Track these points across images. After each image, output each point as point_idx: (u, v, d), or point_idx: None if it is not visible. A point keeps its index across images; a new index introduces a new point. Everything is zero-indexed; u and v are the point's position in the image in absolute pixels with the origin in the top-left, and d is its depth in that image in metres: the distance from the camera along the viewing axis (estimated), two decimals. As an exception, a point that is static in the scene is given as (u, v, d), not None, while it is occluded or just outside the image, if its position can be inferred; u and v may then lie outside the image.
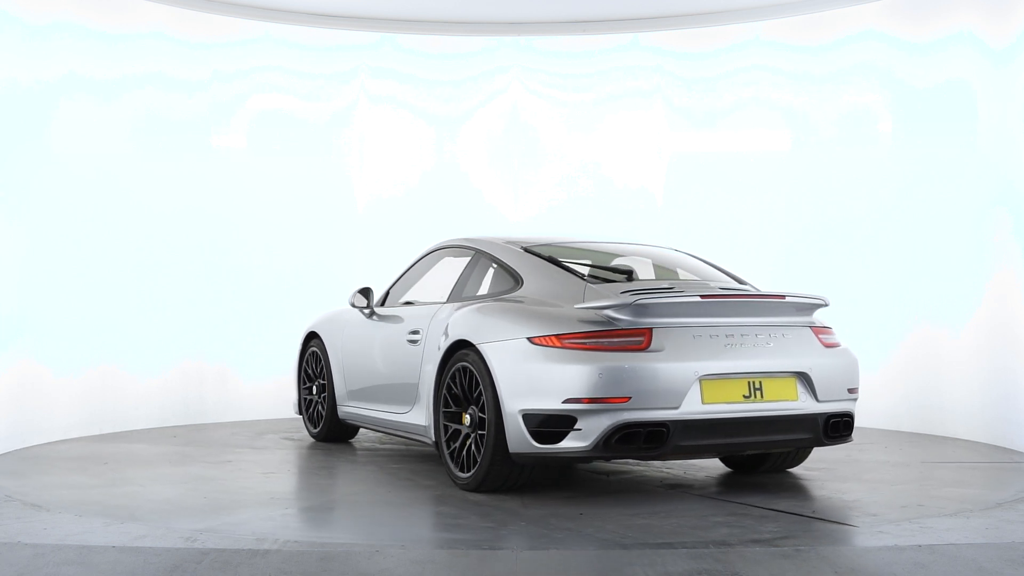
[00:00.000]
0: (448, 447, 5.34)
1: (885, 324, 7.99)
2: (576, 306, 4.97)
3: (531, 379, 4.81)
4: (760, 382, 4.93)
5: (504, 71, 9.38)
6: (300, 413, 7.50)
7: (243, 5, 8.58)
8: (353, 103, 9.19)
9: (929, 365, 7.66)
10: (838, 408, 5.15)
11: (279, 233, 8.87)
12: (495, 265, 5.79)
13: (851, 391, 5.24)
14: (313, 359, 7.34)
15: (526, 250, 5.71)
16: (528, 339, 4.85)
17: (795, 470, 5.90)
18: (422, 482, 5.56)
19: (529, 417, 4.80)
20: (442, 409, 5.38)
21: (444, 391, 5.36)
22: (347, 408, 6.83)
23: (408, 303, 6.41)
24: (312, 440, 7.27)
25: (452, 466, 5.28)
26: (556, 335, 4.79)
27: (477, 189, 9.35)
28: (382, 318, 6.42)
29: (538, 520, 4.50)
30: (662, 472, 5.85)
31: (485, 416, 4.99)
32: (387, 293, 6.77)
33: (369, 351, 6.51)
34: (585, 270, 5.49)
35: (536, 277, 5.45)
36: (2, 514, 4.60)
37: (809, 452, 5.73)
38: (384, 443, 7.18)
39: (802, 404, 5.02)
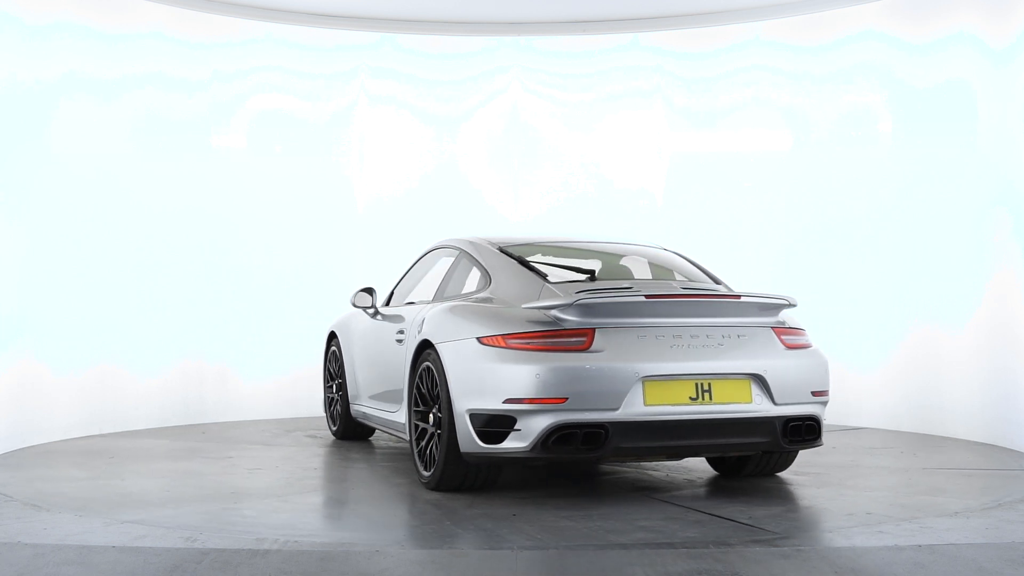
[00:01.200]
0: (417, 446, 5.39)
1: (885, 324, 7.99)
2: (524, 306, 4.97)
3: (478, 379, 4.83)
4: (709, 384, 4.81)
5: (504, 71, 9.38)
6: (325, 411, 7.62)
7: (243, 5, 8.58)
8: (353, 103, 9.19)
9: (929, 365, 7.66)
10: (799, 411, 4.97)
11: (279, 233, 8.87)
12: (473, 265, 5.82)
13: (816, 394, 5.06)
14: (332, 358, 7.46)
15: (501, 250, 5.73)
16: (477, 339, 4.87)
17: (792, 472, 5.89)
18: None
19: (475, 417, 4.83)
20: (412, 408, 5.44)
21: (414, 390, 5.41)
22: (356, 407, 6.90)
23: (410, 303, 6.43)
24: (333, 439, 7.35)
25: (419, 464, 5.34)
26: (502, 335, 4.80)
27: (477, 189, 9.35)
28: (385, 317, 6.44)
29: (472, 519, 4.50)
30: (642, 473, 5.85)
31: (442, 415, 5.05)
32: (392, 293, 6.84)
33: (371, 350, 6.54)
34: (549, 270, 5.50)
35: (503, 277, 5.47)
36: (2, 514, 4.60)
37: (793, 456, 5.56)
38: (398, 442, 7.19)
39: (757, 407, 4.87)
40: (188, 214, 8.36)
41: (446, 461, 5.02)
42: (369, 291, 6.67)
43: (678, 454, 5.12)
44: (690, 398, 4.77)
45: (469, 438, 4.86)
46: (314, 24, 8.95)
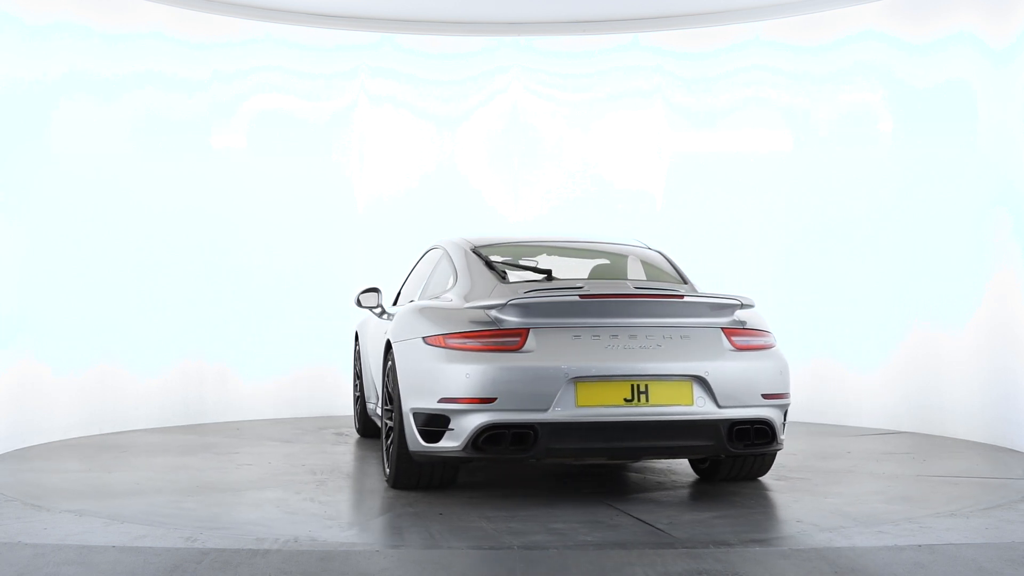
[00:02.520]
0: (385, 443, 5.49)
1: (885, 324, 7.99)
2: (465, 306, 5.00)
3: (420, 378, 4.89)
4: (646, 385, 4.71)
5: (504, 71, 9.38)
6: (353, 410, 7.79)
7: (243, 5, 8.58)
8: (353, 103, 9.19)
9: (929, 365, 7.66)
10: (747, 415, 4.82)
11: (279, 233, 8.87)
12: (449, 265, 5.86)
13: (769, 396, 4.90)
14: (356, 357, 7.59)
15: (473, 250, 5.76)
16: (423, 339, 4.92)
17: (786, 471, 5.90)
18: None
19: (417, 416, 4.89)
20: (383, 407, 5.53)
21: (384, 389, 5.50)
22: (369, 405, 6.98)
23: (411, 302, 6.46)
24: (356, 437, 7.47)
25: (385, 462, 5.41)
26: (442, 335, 4.84)
27: (477, 189, 9.35)
28: (391, 317, 6.47)
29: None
30: (618, 473, 5.85)
31: (394, 414, 5.14)
32: (399, 292, 6.93)
33: (376, 350, 6.57)
34: (514, 270, 5.55)
35: (466, 277, 5.50)
36: (2, 514, 4.60)
37: (769, 460, 5.39)
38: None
39: (698, 410, 4.75)
40: (188, 214, 8.36)
41: (398, 459, 5.11)
42: (374, 291, 6.69)
43: (618, 455, 5.07)
44: (624, 399, 4.69)
45: (413, 437, 4.93)
46: (314, 24, 8.95)
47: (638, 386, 4.71)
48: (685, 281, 5.68)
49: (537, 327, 4.77)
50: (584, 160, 9.35)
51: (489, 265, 5.52)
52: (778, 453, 6.55)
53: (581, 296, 4.81)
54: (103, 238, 7.73)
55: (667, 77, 9.13)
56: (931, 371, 7.64)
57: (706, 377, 4.77)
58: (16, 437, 6.79)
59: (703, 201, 9.05)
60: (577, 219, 9.12)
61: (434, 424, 4.81)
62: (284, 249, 8.89)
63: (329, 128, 9.14)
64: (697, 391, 4.77)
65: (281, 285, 8.83)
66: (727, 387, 4.80)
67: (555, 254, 6.16)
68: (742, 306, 5.01)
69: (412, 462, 5.06)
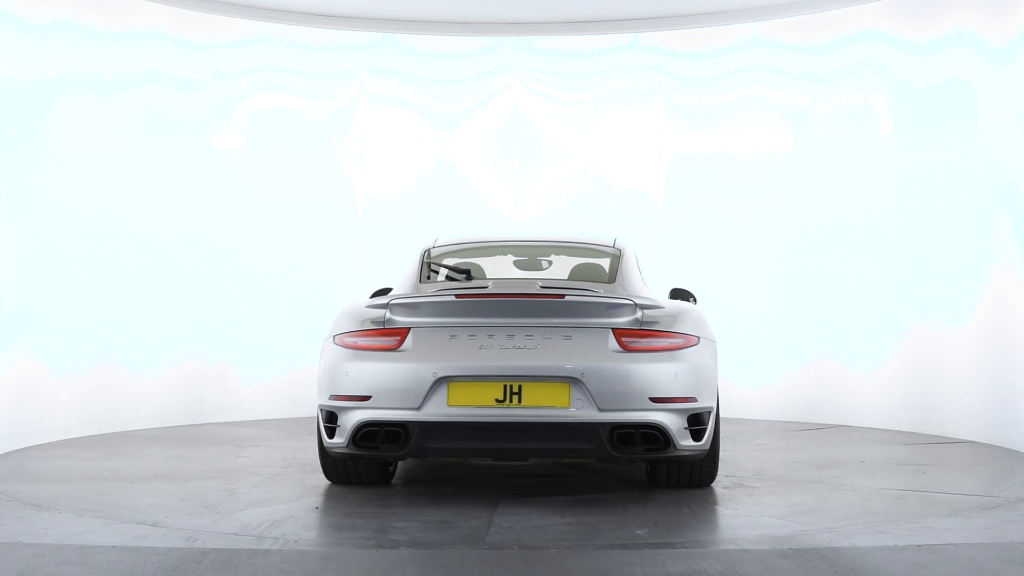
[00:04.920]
0: None
1: (885, 324, 7.99)
2: (364, 306, 5.10)
3: (322, 375, 5.04)
4: (519, 386, 4.69)
5: (504, 71, 9.37)
6: None
7: (243, 5, 8.58)
8: (353, 103, 9.18)
9: (929, 365, 7.66)
10: (630, 418, 4.68)
11: (279, 233, 8.87)
12: (409, 266, 5.94)
13: (660, 400, 4.72)
14: None
15: (425, 250, 5.89)
16: (332, 337, 5.06)
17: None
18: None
19: (320, 412, 5.06)
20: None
21: None
22: None
23: None
24: None
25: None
26: (340, 334, 5.01)
27: (477, 189, 9.35)
28: None
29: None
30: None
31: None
32: None
33: None
34: (441, 272, 5.65)
35: (404, 278, 5.66)
36: (2, 514, 4.60)
37: (709, 467, 5.15)
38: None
39: (575, 412, 4.67)
40: (188, 214, 8.36)
41: (320, 456, 5.28)
42: (386, 291, 6.70)
43: (495, 456, 5.07)
44: (496, 400, 4.69)
45: (321, 433, 5.09)
46: (314, 24, 8.94)
47: (511, 387, 4.70)
48: (614, 283, 5.43)
49: (418, 327, 4.87)
50: (584, 160, 9.34)
51: (426, 266, 5.64)
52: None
53: (457, 296, 4.90)
54: (103, 238, 7.73)
55: (667, 77, 9.13)
56: (931, 371, 7.64)
57: (581, 379, 4.68)
58: (16, 437, 6.79)
59: (703, 201, 9.05)
60: (577, 219, 9.12)
61: (329, 421, 4.98)
62: (284, 249, 8.88)
63: (329, 128, 9.13)
64: (575, 393, 4.69)
65: (281, 285, 8.83)
66: (606, 390, 4.68)
67: (511, 253, 6.28)
68: (637, 306, 4.87)
69: (329, 458, 5.23)
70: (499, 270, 6.23)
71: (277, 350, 8.76)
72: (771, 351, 8.68)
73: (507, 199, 9.34)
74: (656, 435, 4.73)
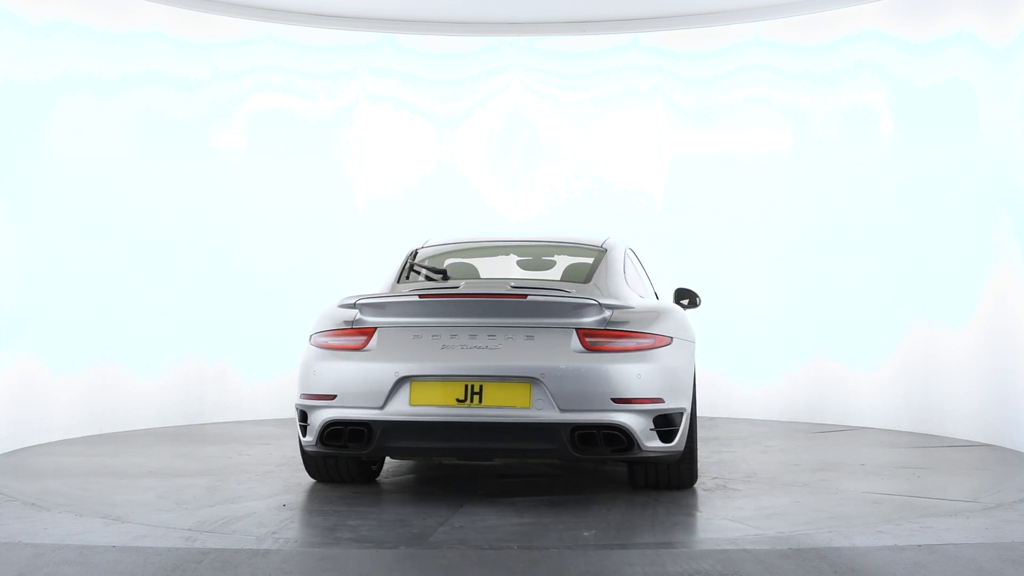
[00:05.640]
0: None
1: (885, 324, 7.99)
2: (336, 305, 5.11)
3: (299, 374, 5.08)
4: (480, 386, 4.68)
5: (504, 71, 9.38)
6: None
7: (243, 5, 8.58)
8: (353, 103, 9.19)
9: (929, 365, 7.66)
10: (591, 419, 4.62)
11: (279, 233, 8.87)
12: None
13: (622, 401, 4.65)
14: None
15: (414, 251, 5.93)
16: (309, 337, 5.11)
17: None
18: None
19: (296, 410, 5.09)
20: None
21: None
22: None
23: None
24: None
25: None
26: (315, 333, 5.07)
27: (477, 189, 9.35)
28: None
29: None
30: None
31: None
32: None
33: None
34: (421, 271, 5.68)
35: (387, 278, 5.71)
36: (2, 514, 4.60)
37: (686, 468, 5.08)
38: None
39: (535, 412, 4.63)
40: (188, 214, 8.36)
41: (301, 454, 5.32)
42: None
43: (458, 455, 5.08)
44: (457, 400, 4.68)
45: (298, 431, 5.15)
46: (314, 24, 8.95)
47: (472, 387, 4.70)
48: (587, 282, 5.32)
49: (384, 327, 4.91)
50: (584, 160, 9.35)
51: (407, 267, 5.69)
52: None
53: (420, 296, 4.90)
54: (103, 238, 7.73)
55: (667, 77, 9.13)
56: (931, 371, 7.64)
57: (541, 379, 4.64)
58: (16, 437, 6.79)
59: (703, 201, 9.05)
60: (577, 219, 9.12)
61: (302, 419, 5.04)
62: (284, 249, 8.88)
63: (329, 128, 9.14)
64: (536, 393, 4.66)
65: (281, 285, 8.83)
66: (567, 390, 4.64)
67: (499, 254, 6.31)
68: (603, 307, 4.78)
69: (308, 456, 5.28)
70: (499, 270, 6.23)
71: (277, 350, 8.75)
72: (771, 351, 8.69)
73: (507, 199, 9.35)
74: (619, 436, 4.67)
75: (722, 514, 4.66)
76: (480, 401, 4.67)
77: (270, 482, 5.53)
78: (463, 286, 5.18)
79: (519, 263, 6.43)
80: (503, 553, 3.92)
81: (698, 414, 7.96)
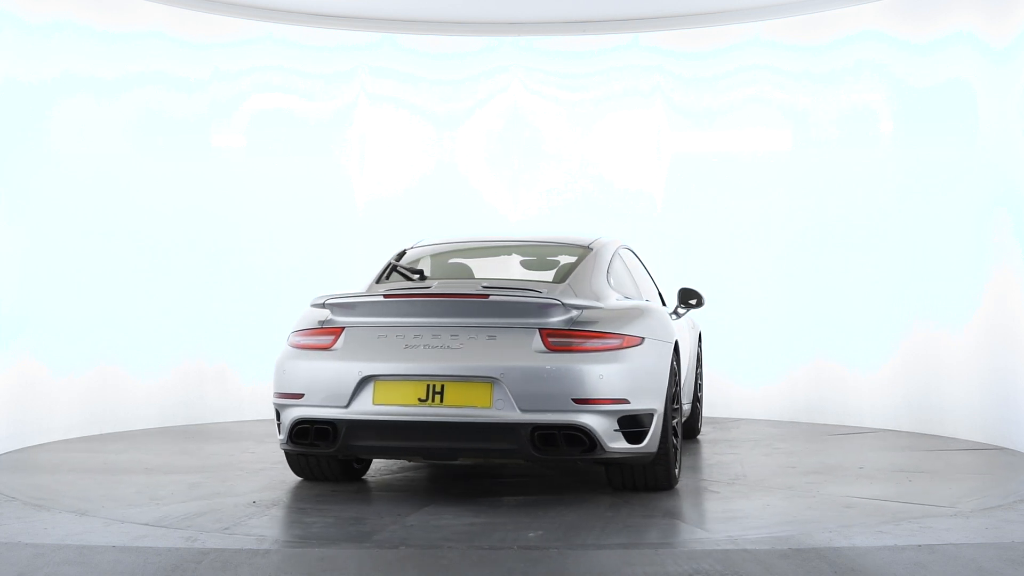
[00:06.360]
0: None
1: (885, 324, 7.99)
2: (310, 305, 5.15)
3: (273, 374, 5.15)
4: (441, 386, 4.70)
5: (504, 71, 9.38)
6: None
7: (243, 5, 8.57)
8: (353, 103, 9.18)
9: (929, 365, 7.66)
10: (551, 419, 4.60)
11: (279, 233, 8.87)
12: None
13: (583, 401, 4.61)
14: None
15: (402, 252, 5.98)
16: (287, 336, 5.18)
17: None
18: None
19: (274, 409, 5.15)
20: None
21: None
22: None
23: None
24: None
25: None
26: (291, 333, 5.17)
27: (477, 189, 9.35)
28: None
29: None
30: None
31: None
32: None
33: None
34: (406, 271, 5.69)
35: (370, 278, 5.77)
36: (2, 514, 4.60)
37: (661, 470, 5.01)
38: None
39: (496, 412, 4.63)
40: (188, 213, 8.36)
41: (285, 452, 5.33)
42: None
43: (421, 455, 5.11)
44: (419, 399, 4.71)
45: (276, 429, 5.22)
46: (314, 24, 8.94)
47: (433, 386, 4.72)
48: (562, 282, 5.25)
49: (351, 326, 4.96)
50: (584, 160, 9.35)
51: (388, 268, 5.73)
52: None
53: (385, 296, 4.94)
54: (103, 238, 7.73)
55: (667, 77, 9.13)
56: (931, 371, 7.64)
57: (501, 379, 4.64)
58: (16, 437, 6.79)
59: (703, 201, 9.05)
60: (577, 219, 9.12)
61: (277, 418, 5.12)
62: (284, 249, 8.88)
63: (329, 128, 9.13)
64: (496, 393, 4.65)
65: (281, 285, 8.82)
66: (526, 390, 4.62)
67: (489, 254, 6.38)
68: (568, 306, 4.75)
69: (288, 454, 5.33)
70: (499, 270, 6.23)
71: (277, 350, 8.69)
72: (771, 351, 8.69)
73: (507, 199, 9.34)
74: (580, 437, 4.65)
75: (685, 517, 4.61)
76: (441, 401, 4.70)
77: (256, 480, 5.56)
78: (434, 286, 5.21)
79: (522, 263, 6.42)
80: (503, 553, 3.92)
81: (704, 414, 8.01)
